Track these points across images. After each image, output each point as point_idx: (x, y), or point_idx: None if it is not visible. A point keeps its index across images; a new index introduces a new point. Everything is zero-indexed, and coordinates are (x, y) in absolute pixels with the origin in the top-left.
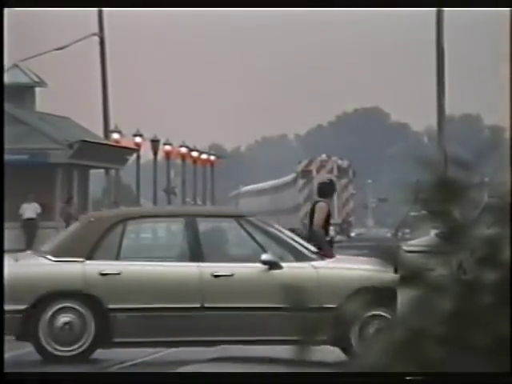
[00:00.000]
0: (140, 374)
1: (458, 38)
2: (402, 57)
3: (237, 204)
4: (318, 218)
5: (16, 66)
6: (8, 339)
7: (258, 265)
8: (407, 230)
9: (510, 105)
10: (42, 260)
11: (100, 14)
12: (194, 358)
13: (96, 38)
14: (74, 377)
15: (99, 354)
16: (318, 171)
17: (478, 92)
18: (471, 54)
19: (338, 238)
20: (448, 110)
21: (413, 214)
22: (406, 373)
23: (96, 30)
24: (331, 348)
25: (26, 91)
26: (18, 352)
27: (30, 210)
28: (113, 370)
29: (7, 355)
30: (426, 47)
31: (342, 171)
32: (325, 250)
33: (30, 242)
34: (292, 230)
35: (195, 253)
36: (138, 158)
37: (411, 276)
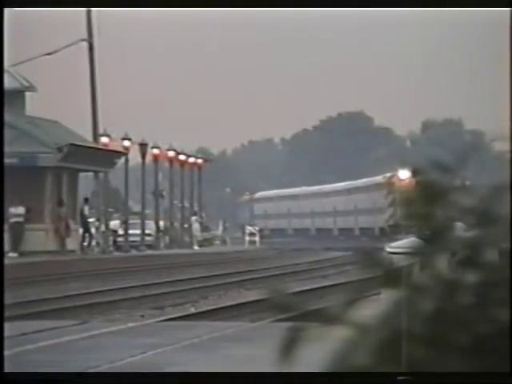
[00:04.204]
0: (141, 375)
1: (457, 38)
2: (390, 61)
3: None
4: None
5: (6, 70)
6: (8, 338)
7: None
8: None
9: (510, 105)
10: None
11: (89, 19)
12: (184, 358)
13: (85, 44)
14: (73, 377)
15: (86, 353)
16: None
17: (477, 92)
18: (471, 54)
19: None
20: (439, 113)
21: (396, 216)
22: (394, 373)
23: (85, 35)
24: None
25: (15, 96)
26: (18, 352)
27: (16, 213)
28: (103, 369)
29: (7, 355)
30: (413, 50)
31: None
32: None
33: (16, 244)
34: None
35: None
36: (127, 161)
37: (394, 277)
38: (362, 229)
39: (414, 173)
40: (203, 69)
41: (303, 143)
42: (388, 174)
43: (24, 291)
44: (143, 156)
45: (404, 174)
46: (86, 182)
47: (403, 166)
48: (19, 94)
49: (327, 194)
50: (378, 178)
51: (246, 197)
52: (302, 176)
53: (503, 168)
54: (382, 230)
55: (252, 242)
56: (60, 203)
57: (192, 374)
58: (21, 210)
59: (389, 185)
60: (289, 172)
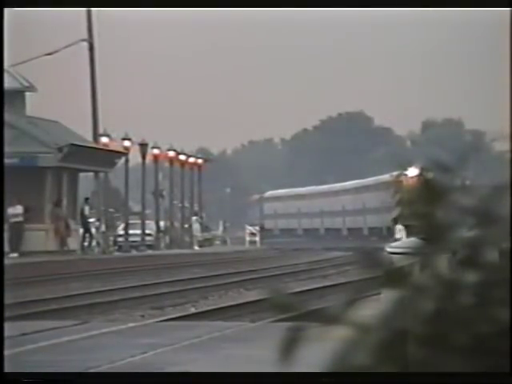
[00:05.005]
0: (141, 375)
1: (457, 38)
2: (390, 61)
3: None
4: None
5: (6, 70)
6: (8, 338)
7: None
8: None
9: (510, 105)
10: None
11: (89, 19)
12: (184, 358)
13: (85, 44)
14: (73, 377)
15: (86, 353)
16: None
17: (477, 92)
18: (471, 54)
19: None
20: (439, 113)
21: (397, 217)
22: (394, 373)
23: (85, 35)
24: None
25: (15, 96)
26: (18, 352)
27: (14, 213)
28: (103, 369)
29: (7, 355)
30: (413, 50)
31: None
32: None
33: (16, 244)
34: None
35: None
36: (127, 161)
37: (394, 277)
38: (370, 228)
39: (424, 171)
40: (203, 69)
41: (303, 143)
42: (395, 173)
43: (24, 291)
44: (143, 156)
45: (412, 172)
46: (86, 182)
47: (405, 165)
48: (19, 94)
49: (336, 193)
50: (386, 177)
51: (256, 196)
52: (302, 176)
53: (503, 168)
54: (389, 229)
55: (252, 242)
56: (58, 203)
57: (192, 373)
58: (19, 209)
59: (396, 183)
60: (289, 172)
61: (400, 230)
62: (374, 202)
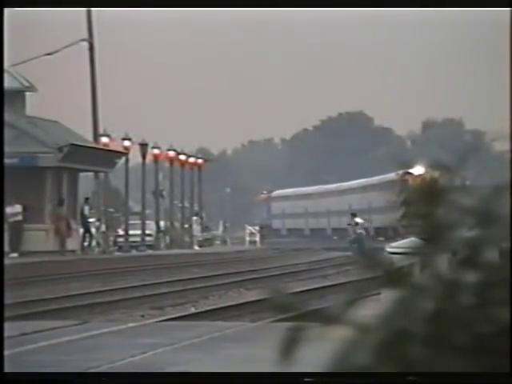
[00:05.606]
0: (141, 375)
1: (457, 38)
2: (390, 61)
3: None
4: None
5: (6, 70)
6: (8, 338)
7: None
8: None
9: (510, 105)
10: None
11: (89, 19)
12: (184, 358)
13: (85, 44)
14: (73, 377)
15: (86, 353)
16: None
17: (477, 92)
18: (471, 54)
19: None
20: (439, 113)
21: (398, 216)
22: (394, 373)
23: (85, 35)
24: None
25: (15, 96)
26: (18, 352)
27: (13, 212)
28: (104, 369)
29: (7, 355)
30: (414, 50)
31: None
32: None
33: (16, 244)
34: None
35: None
36: (127, 161)
37: (394, 277)
38: (376, 228)
39: (428, 170)
40: (203, 69)
41: (303, 143)
42: (400, 171)
43: (24, 291)
44: (143, 156)
45: (417, 171)
46: (86, 182)
47: (407, 164)
48: (19, 93)
49: (343, 192)
50: (392, 176)
51: (263, 196)
52: (302, 176)
53: (503, 168)
54: (394, 229)
55: (252, 242)
56: (60, 203)
57: (192, 373)
58: (17, 208)
59: (401, 182)
60: (289, 172)
61: (360, 229)
62: (380, 202)
